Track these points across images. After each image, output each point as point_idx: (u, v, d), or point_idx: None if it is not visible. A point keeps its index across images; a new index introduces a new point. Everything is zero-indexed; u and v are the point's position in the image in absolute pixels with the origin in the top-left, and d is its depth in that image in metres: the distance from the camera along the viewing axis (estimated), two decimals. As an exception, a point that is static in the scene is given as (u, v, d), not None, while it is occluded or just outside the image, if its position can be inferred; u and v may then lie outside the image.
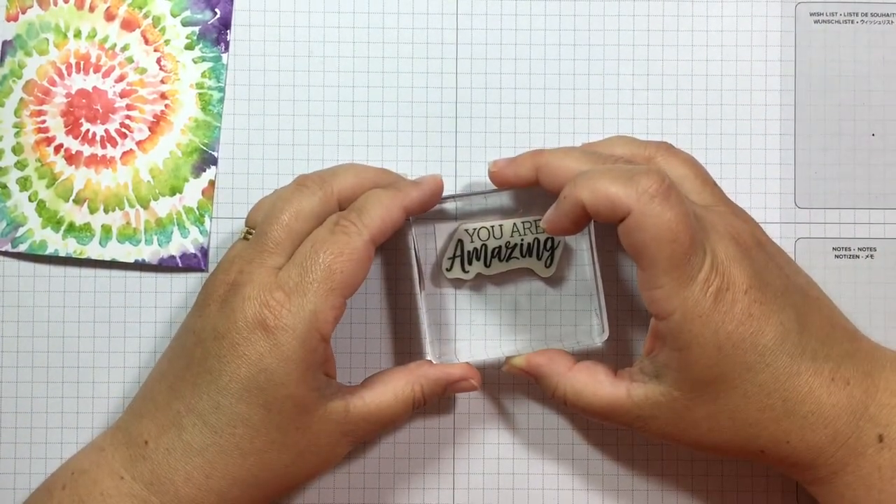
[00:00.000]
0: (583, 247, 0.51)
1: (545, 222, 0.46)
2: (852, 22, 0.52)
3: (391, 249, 0.52)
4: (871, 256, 0.52)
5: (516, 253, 0.51)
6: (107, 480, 0.45)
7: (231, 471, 0.44)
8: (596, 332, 0.51)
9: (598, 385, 0.47)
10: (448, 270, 0.51)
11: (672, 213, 0.42)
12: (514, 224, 0.50)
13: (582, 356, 0.50)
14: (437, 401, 0.51)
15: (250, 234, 0.47)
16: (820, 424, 0.44)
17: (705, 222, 0.44)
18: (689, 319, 0.43)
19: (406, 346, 0.52)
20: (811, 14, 0.53)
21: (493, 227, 0.50)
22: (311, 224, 0.46)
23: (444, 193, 0.49)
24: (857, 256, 0.52)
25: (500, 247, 0.50)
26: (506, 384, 0.52)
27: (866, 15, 0.52)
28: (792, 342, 0.44)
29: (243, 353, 0.44)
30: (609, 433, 0.52)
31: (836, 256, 0.52)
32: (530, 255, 0.51)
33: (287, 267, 0.45)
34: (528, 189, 0.49)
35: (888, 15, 0.53)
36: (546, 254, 0.51)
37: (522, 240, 0.51)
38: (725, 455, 0.47)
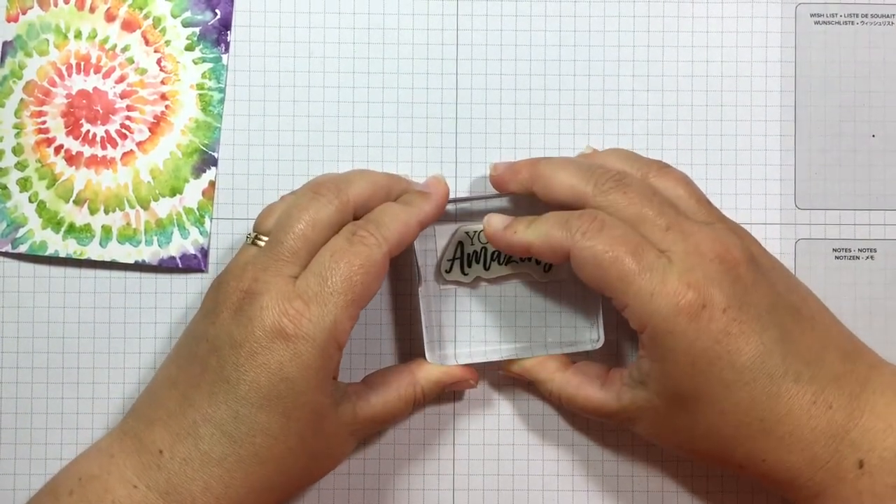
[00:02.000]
0: None
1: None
2: (852, 23, 0.52)
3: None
4: (872, 258, 0.52)
5: (515, 257, 0.51)
6: (119, 489, 0.44)
7: (250, 479, 0.44)
8: (594, 338, 0.51)
9: (589, 388, 0.48)
10: (447, 272, 0.51)
11: (600, 241, 0.44)
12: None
13: (580, 356, 0.50)
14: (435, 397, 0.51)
15: (259, 239, 0.47)
16: (797, 447, 0.44)
17: (689, 243, 0.44)
18: (660, 334, 0.44)
19: (406, 347, 0.52)
20: (811, 15, 0.53)
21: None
22: (326, 234, 0.46)
23: None
24: (858, 257, 0.52)
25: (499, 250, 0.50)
26: (506, 383, 0.52)
27: (866, 16, 0.52)
28: (773, 363, 0.44)
29: (263, 363, 0.43)
30: (609, 433, 0.52)
31: (837, 257, 0.52)
32: (529, 260, 0.51)
33: (305, 276, 0.44)
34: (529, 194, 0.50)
35: (888, 16, 0.53)
36: None
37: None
38: (707, 464, 0.48)
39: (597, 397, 0.48)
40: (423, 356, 0.50)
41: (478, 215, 0.51)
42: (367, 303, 0.45)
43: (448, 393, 0.52)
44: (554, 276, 0.51)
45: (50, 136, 0.51)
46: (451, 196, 0.50)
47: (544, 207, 0.47)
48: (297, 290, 0.44)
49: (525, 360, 0.50)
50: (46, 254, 0.51)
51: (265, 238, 0.46)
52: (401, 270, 0.52)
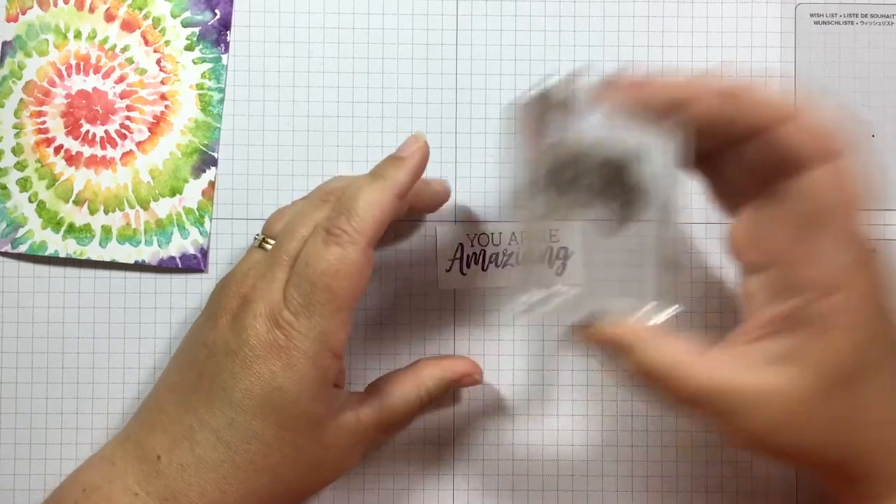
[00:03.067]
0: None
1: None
2: (852, 23, 0.52)
3: (390, 251, 0.52)
4: (871, 258, 0.52)
5: (512, 260, 0.51)
6: (121, 497, 0.44)
7: (246, 486, 0.44)
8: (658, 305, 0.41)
9: (696, 363, 0.39)
10: (447, 272, 0.51)
11: (857, 167, 0.37)
12: (513, 233, 0.50)
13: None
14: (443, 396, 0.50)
15: (266, 242, 0.46)
16: None
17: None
18: (861, 300, 0.37)
19: (406, 348, 0.52)
20: (811, 15, 0.53)
21: (492, 234, 0.51)
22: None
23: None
24: (857, 258, 0.52)
25: (497, 253, 0.50)
26: (506, 382, 0.52)
27: (866, 16, 0.52)
28: None
29: (256, 372, 0.43)
30: (609, 433, 0.52)
31: (836, 257, 0.52)
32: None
33: (289, 287, 0.43)
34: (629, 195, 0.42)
35: (888, 16, 0.53)
36: (558, 262, 0.51)
37: (519, 248, 0.51)
38: (804, 463, 0.41)
39: (706, 374, 0.38)
40: (426, 355, 0.50)
41: (479, 216, 0.51)
42: (357, 300, 0.44)
43: (448, 393, 0.52)
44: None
45: (50, 136, 0.52)
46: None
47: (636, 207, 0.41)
48: (286, 301, 0.43)
49: (606, 323, 0.40)
50: (46, 254, 0.51)
51: (272, 241, 0.46)
52: (401, 271, 0.52)
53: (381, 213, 0.44)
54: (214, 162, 0.52)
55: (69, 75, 0.52)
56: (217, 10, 0.52)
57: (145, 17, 0.52)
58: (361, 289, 0.44)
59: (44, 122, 0.51)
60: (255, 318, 0.43)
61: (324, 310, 0.43)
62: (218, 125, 0.52)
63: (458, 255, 0.51)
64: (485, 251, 0.51)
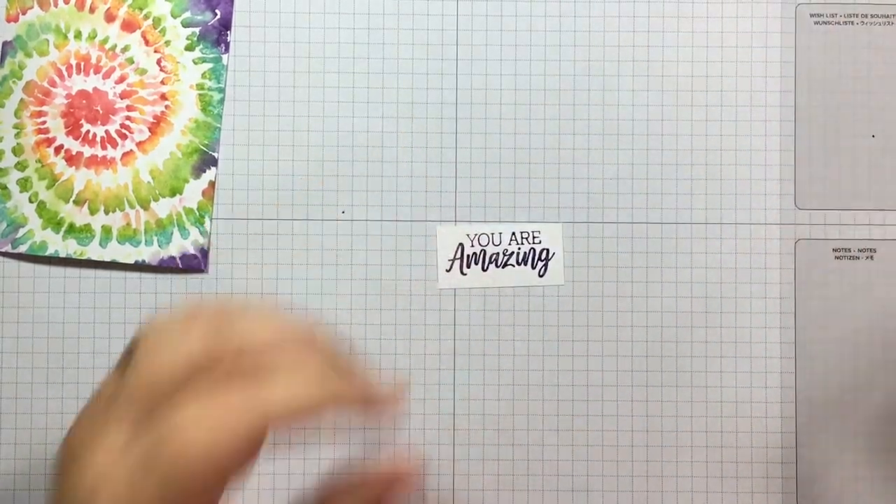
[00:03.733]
0: None
1: None
2: (852, 23, 0.52)
3: (391, 250, 0.52)
4: (871, 258, 0.52)
5: (512, 261, 0.51)
6: None
7: None
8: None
9: None
10: (447, 272, 0.51)
11: None
12: (513, 233, 0.50)
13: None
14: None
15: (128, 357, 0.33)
16: None
17: None
18: None
19: (406, 348, 0.52)
20: (811, 15, 0.53)
21: (492, 234, 0.51)
22: (182, 381, 0.31)
23: None
24: (857, 258, 0.52)
25: (497, 253, 0.50)
26: (506, 381, 0.52)
27: (866, 16, 0.53)
28: None
29: None
30: (610, 432, 0.52)
31: (837, 257, 0.52)
32: (525, 264, 0.51)
33: (137, 471, 0.30)
34: None
35: (888, 16, 0.53)
36: (540, 264, 0.51)
37: (519, 248, 0.51)
38: None
39: None
40: (426, 356, 0.50)
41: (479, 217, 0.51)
42: (232, 484, 0.32)
43: (447, 386, 0.52)
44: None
45: (50, 136, 0.52)
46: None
47: None
48: (133, 493, 0.30)
49: None
50: (46, 254, 0.51)
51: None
52: (401, 271, 0.52)
53: (295, 420, 0.32)
54: (214, 162, 0.52)
55: (69, 75, 0.52)
56: (217, 11, 0.52)
57: (145, 17, 0.52)
58: (241, 474, 0.31)
59: (44, 122, 0.52)
60: (76, 490, 0.30)
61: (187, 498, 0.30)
62: (218, 125, 0.52)
63: (458, 255, 0.51)
64: (485, 251, 0.51)
